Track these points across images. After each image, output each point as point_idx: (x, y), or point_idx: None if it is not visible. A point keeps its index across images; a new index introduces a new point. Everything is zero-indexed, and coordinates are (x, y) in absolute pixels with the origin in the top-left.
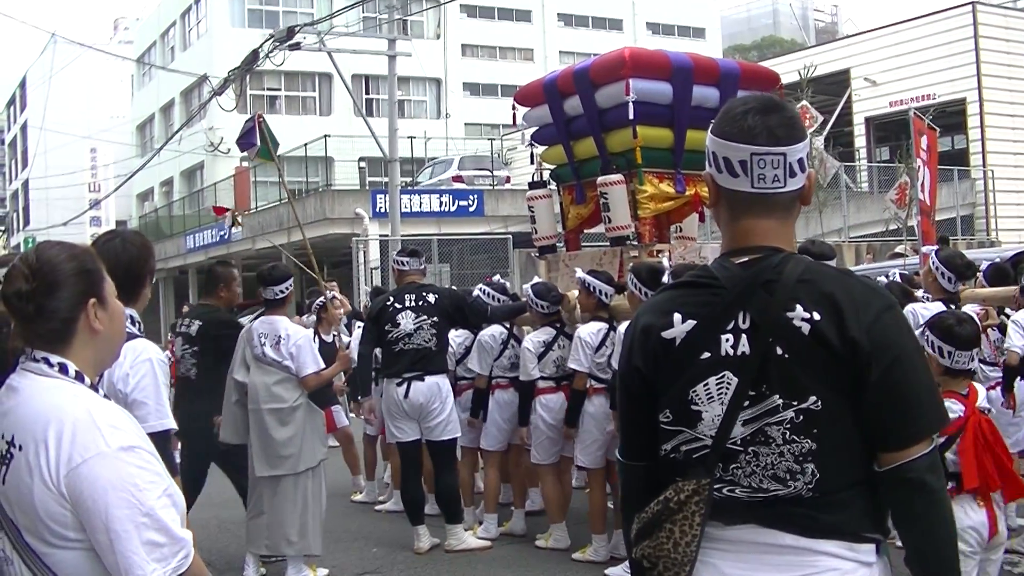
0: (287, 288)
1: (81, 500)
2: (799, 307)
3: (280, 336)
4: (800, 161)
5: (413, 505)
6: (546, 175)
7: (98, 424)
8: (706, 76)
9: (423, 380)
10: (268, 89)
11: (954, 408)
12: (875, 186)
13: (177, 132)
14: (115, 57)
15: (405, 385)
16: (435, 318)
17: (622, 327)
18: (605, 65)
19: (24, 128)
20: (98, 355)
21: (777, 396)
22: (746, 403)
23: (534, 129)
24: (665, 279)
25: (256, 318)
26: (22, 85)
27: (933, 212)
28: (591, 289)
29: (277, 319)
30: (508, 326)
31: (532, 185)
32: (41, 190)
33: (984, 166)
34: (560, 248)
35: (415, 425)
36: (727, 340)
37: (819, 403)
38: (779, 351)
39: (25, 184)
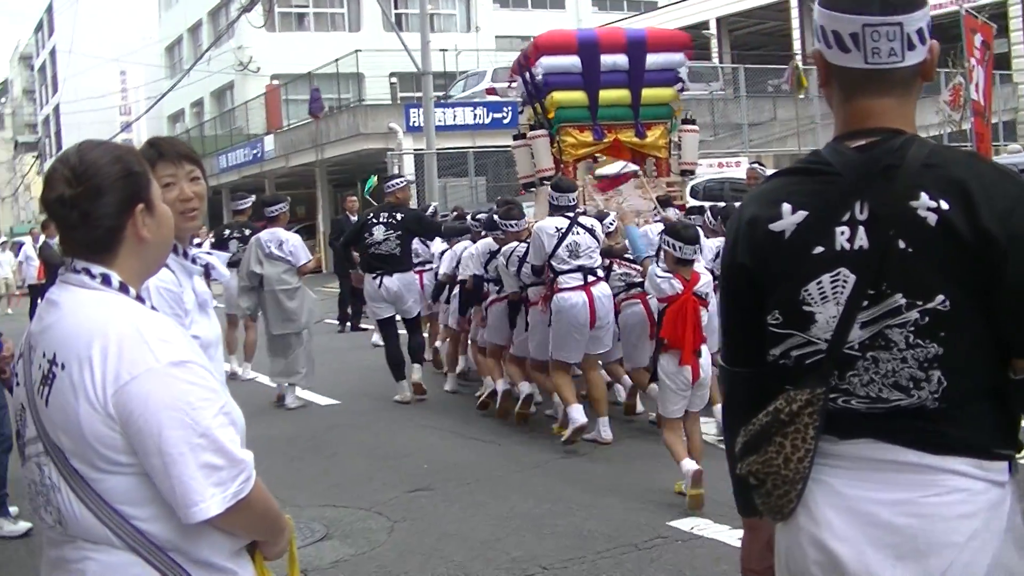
0: (280, 208)
1: (131, 421)
2: (924, 195)
3: (282, 241)
4: (919, 32)
5: (396, 365)
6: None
7: (146, 338)
8: (613, 46)
9: (391, 276)
10: (296, 6)
11: (676, 286)
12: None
13: (206, 52)
14: None
15: (378, 279)
16: (399, 232)
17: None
18: (530, 48)
19: (53, 53)
20: (144, 264)
21: (900, 295)
22: (865, 303)
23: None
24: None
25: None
26: (49, 10)
27: (988, 112)
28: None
29: (276, 230)
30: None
31: (515, 138)
32: (72, 115)
33: None
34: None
35: (390, 306)
36: (842, 233)
37: (947, 303)
38: (902, 245)
39: (56, 109)
